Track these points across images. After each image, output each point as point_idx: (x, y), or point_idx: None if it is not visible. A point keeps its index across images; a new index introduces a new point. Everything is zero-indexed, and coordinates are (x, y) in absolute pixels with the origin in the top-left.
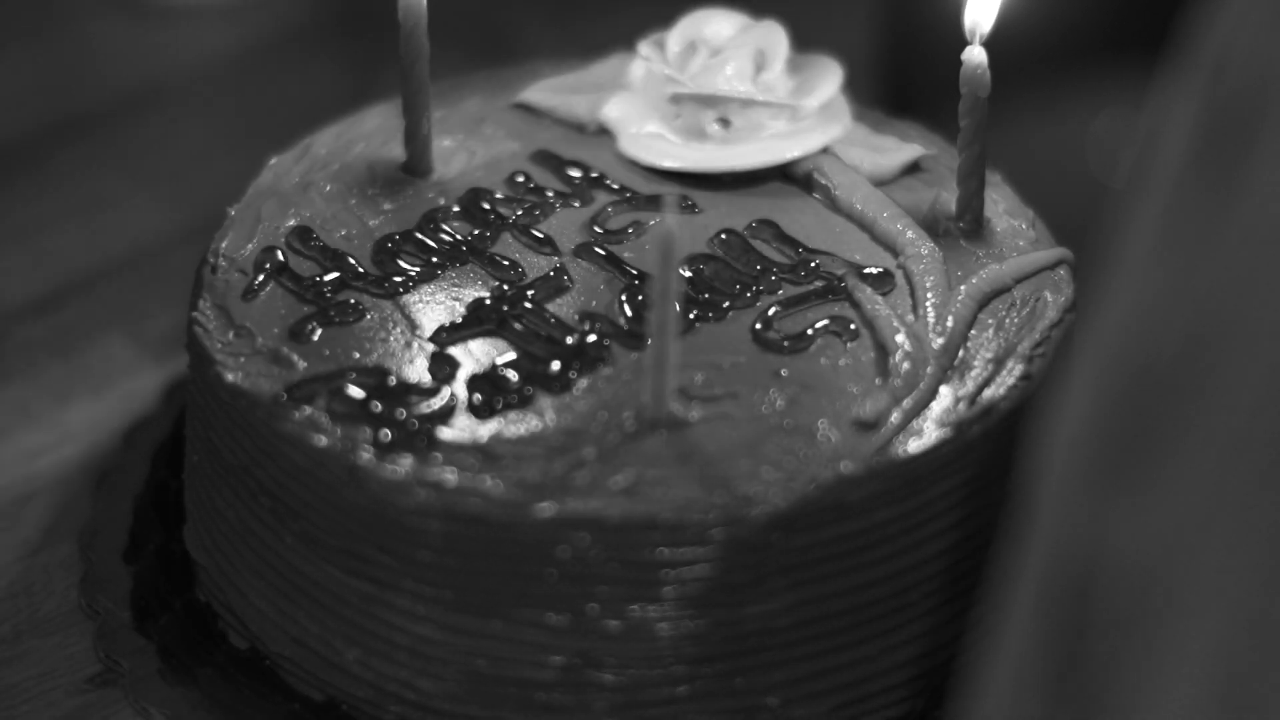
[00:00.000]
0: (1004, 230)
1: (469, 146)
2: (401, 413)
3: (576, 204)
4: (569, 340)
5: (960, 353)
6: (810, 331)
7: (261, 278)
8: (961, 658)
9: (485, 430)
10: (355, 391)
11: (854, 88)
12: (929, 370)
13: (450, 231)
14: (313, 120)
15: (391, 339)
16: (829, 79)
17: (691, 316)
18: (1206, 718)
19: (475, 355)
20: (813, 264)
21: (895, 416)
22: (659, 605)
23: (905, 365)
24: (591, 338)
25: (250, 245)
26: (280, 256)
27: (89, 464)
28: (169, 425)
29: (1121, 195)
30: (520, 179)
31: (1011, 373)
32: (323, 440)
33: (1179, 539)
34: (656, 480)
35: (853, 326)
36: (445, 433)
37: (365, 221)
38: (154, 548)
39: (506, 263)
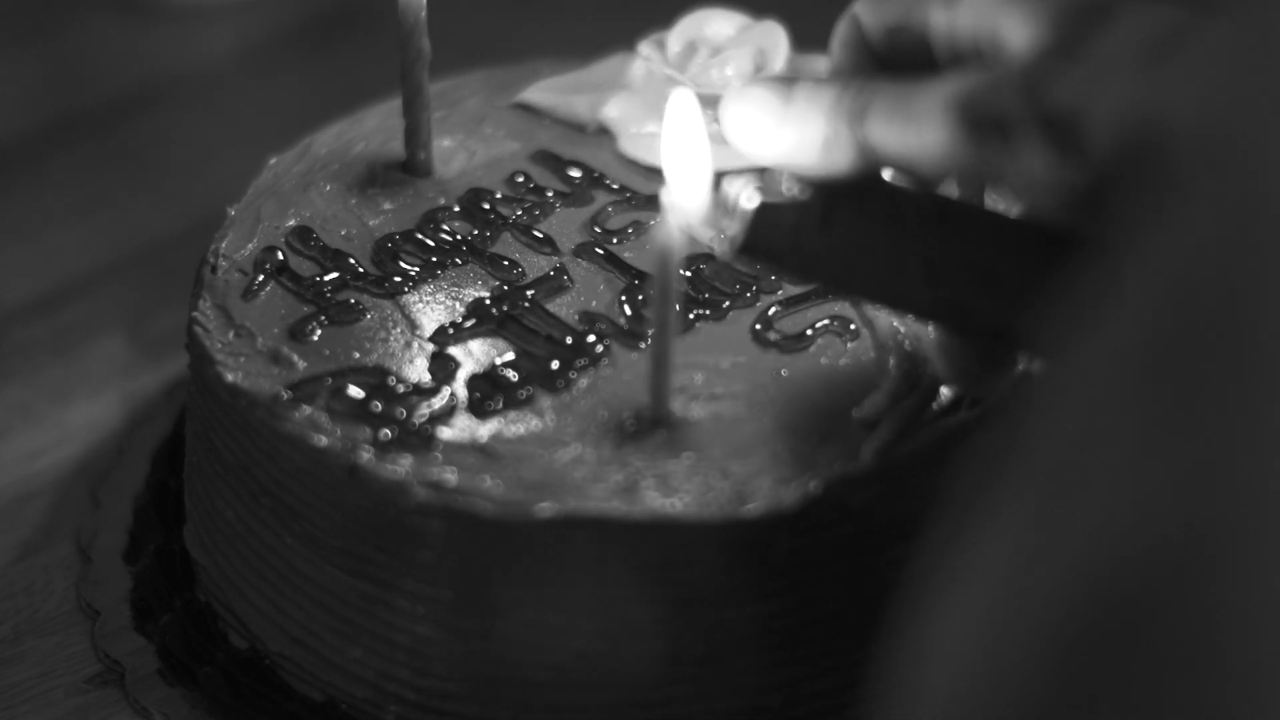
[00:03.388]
0: None
1: (469, 146)
2: (401, 412)
3: (576, 204)
4: (569, 340)
5: None
6: (810, 331)
7: (261, 278)
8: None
9: (485, 430)
10: (355, 391)
11: None
12: (929, 370)
13: (450, 231)
14: (313, 120)
15: (391, 339)
16: None
17: (691, 316)
18: None
19: (475, 355)
20: None
21: (895, 416)
22: (659, 605)
23: (905, 365)
24: (591, 337)
25: (250, 245)
26: (280, 256)
27: (89, 464)
28: (169, 425)
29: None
30: (520, 179)
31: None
32: (323, 440)
33: None
34: (657, 480)
35: (853, 326)
36: (445, 432)
37: (365, 221)
38: (154, 548)
39: (506, 262)
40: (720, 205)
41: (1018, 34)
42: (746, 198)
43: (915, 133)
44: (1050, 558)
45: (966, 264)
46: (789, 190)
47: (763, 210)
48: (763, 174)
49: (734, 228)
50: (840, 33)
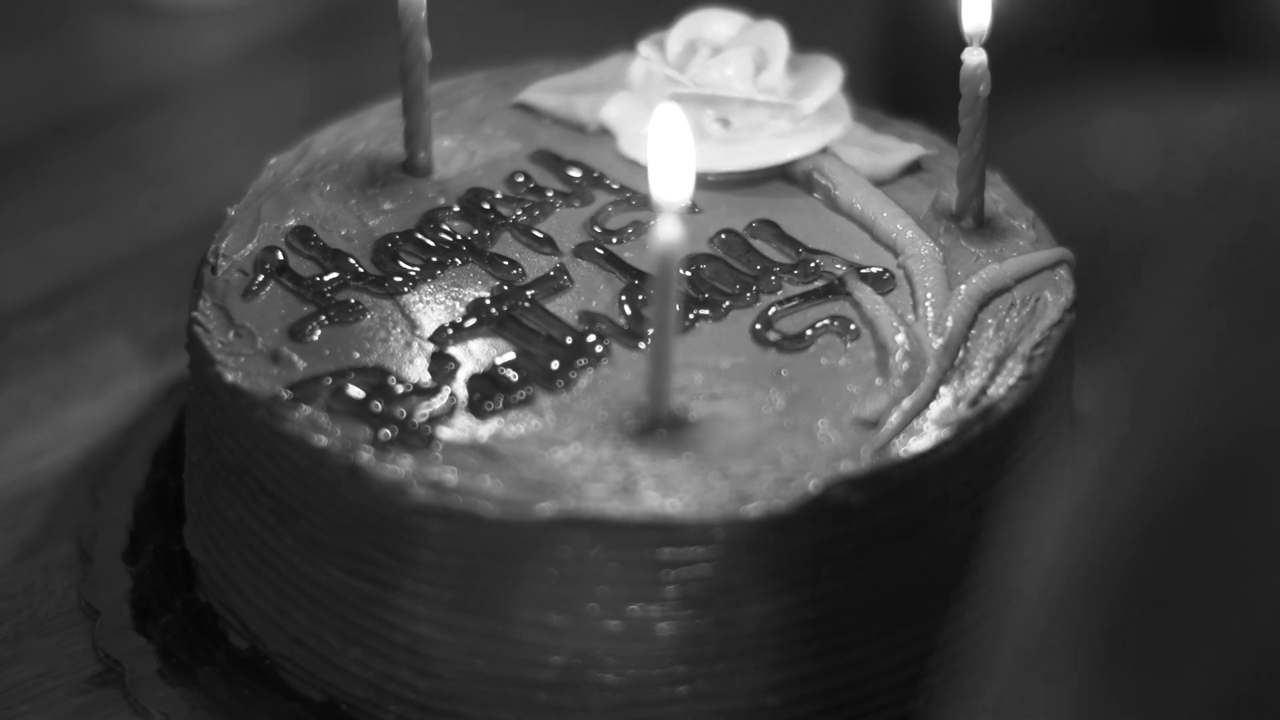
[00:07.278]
0: (1004, 230)
1: (469, 146)
2: (401, 412)
3: (576, 204)
4: (569, 340)
5: (960, 353)
6: (810, 331)
7: (261, 277)
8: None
9: (485, 430)
10: (355, 391)
11: (854, 88)
12: (929, 370)
13: (450, 231)
14: (313, 120)
15: (391, 339)
16: (829, 79)
17: (691, 316)
18: None
19: (475, 355)
20: (813, 264)
21: (895, 416)
22: (659, 605)
23: (905, 365)
24: (591, 337)
25: (250, 245)
26: (280, 256)
27: (89, 464)
28: (169, 425)
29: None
30: (520, 179)
31: (1012, 373)
32: (323, 440)
33: None
34: (657, 480)
35: (853, 326)
36: (445, 432)
37: (365, 221)
38: (154, 548)
39: (506, 262)
40: None
41: None
42: None
43: None
44: (1140, 452)
45: None
46: None
47: None
48: None
49: None
50: None
